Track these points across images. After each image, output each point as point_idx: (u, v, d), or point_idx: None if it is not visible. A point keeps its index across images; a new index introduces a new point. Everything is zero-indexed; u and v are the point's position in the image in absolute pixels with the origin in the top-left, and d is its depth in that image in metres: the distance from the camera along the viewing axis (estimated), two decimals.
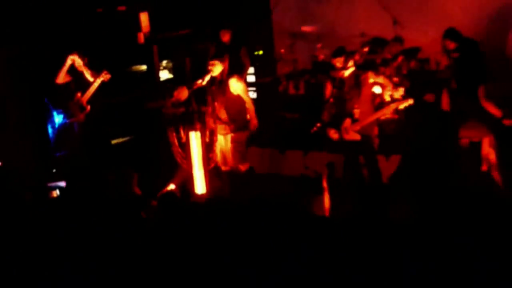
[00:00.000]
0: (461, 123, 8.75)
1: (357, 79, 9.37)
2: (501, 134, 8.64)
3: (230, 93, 9.76)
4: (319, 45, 14.04)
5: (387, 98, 9.81)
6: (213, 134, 9.72)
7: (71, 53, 10.34)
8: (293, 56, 14.30)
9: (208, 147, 9.73)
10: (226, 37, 12.42)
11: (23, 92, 10.67)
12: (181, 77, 12.66)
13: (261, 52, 14.65)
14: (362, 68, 9.68)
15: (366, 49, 11.52)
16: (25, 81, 10.67)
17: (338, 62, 9.89)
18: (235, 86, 9.74)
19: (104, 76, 10.27)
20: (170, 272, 6.59)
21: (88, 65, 10.43)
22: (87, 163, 10.35)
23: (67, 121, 10.41)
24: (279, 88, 13.74)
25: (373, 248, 6.63)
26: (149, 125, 11.56)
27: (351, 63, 9.57)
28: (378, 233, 7.01)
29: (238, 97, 9.80)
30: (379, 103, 9.84)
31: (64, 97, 10.49)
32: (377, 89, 9.68)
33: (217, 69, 9.73)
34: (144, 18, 12.51)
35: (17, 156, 10.40)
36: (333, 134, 9.56)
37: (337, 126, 9.49)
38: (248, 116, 9.90)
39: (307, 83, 13.39)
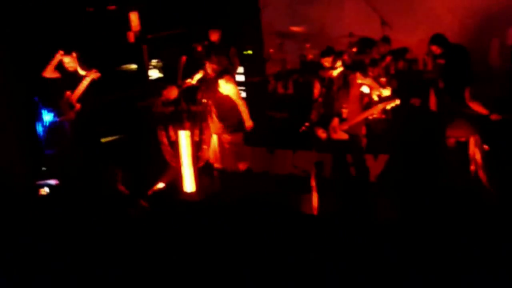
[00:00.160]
0: (448, 123, 8.81)
1: (345, 79, 9.44)
2: (486, 134, 8.72)
3: (220, 92, 9.81)
4: (307, 45, 14.09)
5: (375, 98, 9.87)
6: (202, 133, 9.76)
7: (61, 50, 10.35)
8: (282, 55, 14.35)
9: (197, 146, 9.77)
10: (215, 37, 12.45)
11: (13, 91, 10.66)
12: (171, 76, 12.69)
13: (250, 52, 14.69)
14: (351, 68, 9.76)
15: (354, 49, 11.61)
16: (15, 80, 10.67)
17: (327, 61, 9.95)
18: (225, 86, 9.80)
19: (94, 75, 10.28)
20: (159, 269, 6.64)
21: (81, 59, 10.43)
22: (78, 161, 10.36)
23: (57, 119, 10.41)
24: (268, 87, 13.78)
25: (360, 246, 6.71)
26: (139, 123, 11.57)
27: (339, 63, 9.64)
28: (365, 232, 7.09)
29: (229, 97, 9.86)
30: (367, 102, 9.91)
31: (53, 96, 10.49)
32: (365, 89, 9.76)
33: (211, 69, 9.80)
34: (134, 17, 12.54)
35: (6, 154, 10.39)
36: (321, 134, 9.62)
37: (325, 125, 9.55)
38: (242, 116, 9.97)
39: (296, 83, 13.43)
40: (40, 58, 10.74)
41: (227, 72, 10.14)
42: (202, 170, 9.86)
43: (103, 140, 11.82)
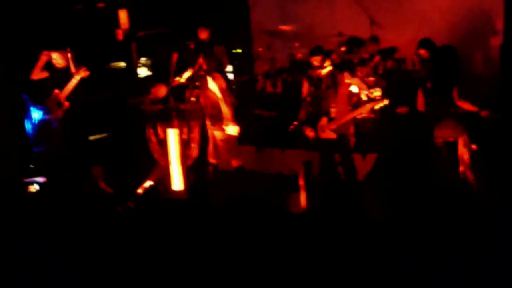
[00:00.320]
0: (436, 123, 8.83)
1: (334, 79, 9.46)
2: (474, 133, 8.75)
3: (210, 90, 9.83)
4: (296, 44, 14.11)
5: (364, 98, 9.89)
6: (191, 131, 9.75)
7: (48, 49, 10.32)
8: (271, 54, 14.35)
9: (185, 144, 9.77)
10: (204, 35, 12.45)
11: (1, 88, 10.64)
12: (160, 74, 12.68)
13: (239, 51, 14.70)
14: (339, 67, 9.77)
15: (343, 49, 11.61)
16: (3, 77, 10.64)
17: (316, 60, 10.00)
18: (212, 84, 9.81)
19: (83, 73, 10.24)
20: (147, 268, 6.63)
21: (74, 57, 10.40)
22: (66, 159, 10.34)
23: (46, 117, 10.39)
24: (256, 86, 13.78)
25: (349, 245, 6.72)
26: (127, 121, 11.56)
27: (328, 62, 9.65)
28: (353, 231, 7.10)
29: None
30: (355, 102, 9.93)
31: (42, 94, 10.47)
32: (354, 89, 9.78)
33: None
34: (123, 15, 12.53)
35: None
36: (310, 133, 9.64)
37: (314, 124, 9.57)
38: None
39: (285, 82, 13.44)
40: (28, 56, 10.71)
41: (216, 69, 10.14)
42: (191, 168, 9.86)
43: (92, 138, 11.80)
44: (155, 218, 8.04)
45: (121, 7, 12.73)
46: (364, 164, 10.22)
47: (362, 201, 9.10)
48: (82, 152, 10.66)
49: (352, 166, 9.71)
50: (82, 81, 10.32)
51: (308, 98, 9.86)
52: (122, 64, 13.64)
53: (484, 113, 8.54)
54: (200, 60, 9.88)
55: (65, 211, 8.12)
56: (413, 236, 6.87)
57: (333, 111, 9.49)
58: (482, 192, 8.60)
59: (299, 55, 13.85)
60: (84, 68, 10.23)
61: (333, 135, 9.45)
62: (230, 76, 13.95)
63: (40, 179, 9.91)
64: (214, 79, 9.82)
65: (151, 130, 9.72)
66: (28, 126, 10.44)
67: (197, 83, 10.03)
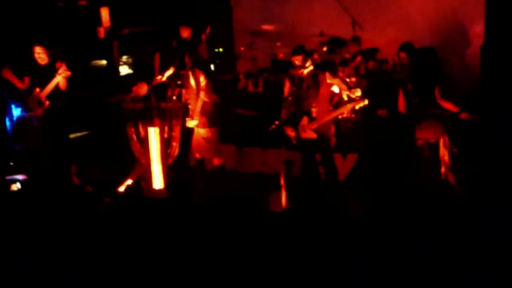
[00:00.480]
0: (417, 124, 8.85)
1: (315, 78, 9.47)
2: (455, 135, 8.78)
3: (191, 86, 9.84)
4: (278, 44, 14.13)
5: (345, 98, 9.91)
6: (172, 130, 9.74)
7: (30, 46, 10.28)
8: (253, 54, 14.36)
9: (166, 143, 9.76)
10: (186, 33, 12.44)
11: None
12: (141, 73, 12.66)
13: (221, 50, 14.70)
14: (321, 67, 9.78)
15: (325, 49, 11.64)
16: None
17: (297, 60, 10.00)
18: (192, 81, 9.83)
19: (64, 73, 10.19)
20: (128, 266, 6.62)
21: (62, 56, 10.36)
22: (46, 157, 10.29)
23: (25, 114, 10.33)
24: (238, 85, 13.78)
25: (329, 244, 6.73)
26: (108, 119, 11.53)
27: (309, 62, 9.67)
28: (334, 230, 7.11)
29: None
30: (337, 102, 9.95)
31: (22, 92, 10.41)
32: (335, 89, 9.80)
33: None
34: (104, 13, 12.49)
35: None
36: (291, 132, 9.65)
37: (295, 124, 9.57)
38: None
39: (266, 81, 13.44)
40: (8, 53, 10.66)
41: (199, 66, 10.14)
42: (172, 167, 9.86)
43: (72, 136, 11.75)
44: (137, 217, 8.02)
45: (103, 5, 12.68)
46: (345, 164, 10.25)
47: (343, 201, 9.12)
48: (61, 150, 10.61)
49: (333, 166, 9.73)
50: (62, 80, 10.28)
51: (290, 98, 9.87)
52: (103, 62, 13.60)
53: (463, 115, 8.57)
54: (183, 59, 9.88)
55: (47, 210, 8.09)
56: (393, 236, 6.90)
57: (314, 110, 9.49)
58: (462, 193, 8.64)
59: (281, 55, 13.86)
60: (65, 68, 10.17)
61: (314, 135, 9.45)
62: None
63: (20, 177, 9.87)
64: (194, 74, 9.82)
65: (132, 129, 9.70)
66: (8, 123, 10.38)
67: (178, 82, 10.03)
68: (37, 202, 8.57)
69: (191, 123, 9.91)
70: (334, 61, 10.43)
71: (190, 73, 9.83)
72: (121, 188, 9.67)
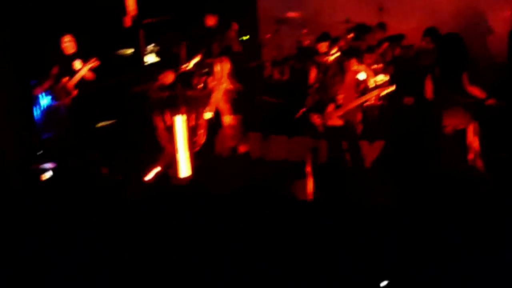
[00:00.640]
0: (445, 111, 8.81)
1: (341, 65, 9.44)
2: (484, 121, 8.73)
3: (217, 76, 9.88)
4: (304, 31, 14.10)
5: (371, 85, 9.87)
6: (198, 118, 9.77)
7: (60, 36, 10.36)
8: (278, 41, 14.35)
9: (193, 131, 9.79)
10: (212, 22, 12.44)
11: (10, 75, 10.65)
12: (167, 61, 12.67)
13: (247, 37, 14.69)
14: (346, 54, 9.75)
15: (350, 36, 11.60)
16: (12, 63, 10.65)
17: (323, 47, 9.99)
18: (217, 68, 9.86)
19: (93, 63, 10.27)
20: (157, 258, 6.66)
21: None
22: (73, 146, 10.37)
23: (54, 103, 10.41)
24: (264, 73, 13.78)
25: (355, 232, 6.73)
26: (135, 108, 11.58)
27: (335, 49, 9.64)
28: (360, 218, 7.11)
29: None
30: (363, 89, 9.91)
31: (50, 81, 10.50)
32: (361, 75, 9.76)
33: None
34: (130, 1, 12.49)
35: (2, 138, 10.39)
36: (317, 120, 9.62)
37: (321, 111, 9.55)
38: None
39: (292, 69, 13.43)
40: (37, 42, 10.73)
41: (224, 54, 10.17)
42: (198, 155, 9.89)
43: (99, 125, 11.82)
44: (164, 205, 8.07)
45: None
46: (371, 151, 10.21)
47: (369, 188, 9.10)
48: (88, 138, 10.69)
49: (359, 153, 9.69)
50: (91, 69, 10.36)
51: (315, 85, 9.85)
52: (130, 51, 13.63)
53: (490, 102, 8.52)
54: (209, 47, 9.92)
55: (75, 198, 8.16)
56: (419, 224, 6.89)
57: (340, 98, 9.47)
58: (490, 180, 8.59)
59: (307, 42, 13.83)
60: (94, 58, 10.26)
61: (340, 122, 9.43)
62: None
63: (49, 165, 9.95)
64: (220, 62, 9.84)
65: (158, 117, 9.75)
66: (36, 112, 10.47)
67: (205, 70, 10.07)
68: (66, 191, 8.64)
69: (206, 115, 9.95)
70: (359, 47, 10.39)
71: (216, 61, 9.85)
72: (148, 177, 9.71)
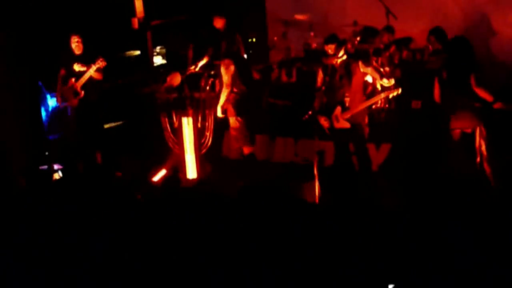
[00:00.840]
0: (453, 114, 8.80)
1: (348, 68, 9.43)
2: (491, 125, 8.71)
3: (223, 78, 9.89)
4: (312, 34, 14.10)
5: (379, 87, 9.87)
6: (205, 120, 9.79)
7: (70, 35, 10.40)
8: (286, 44, 14.35)
9: (200, 133, 9.81)
10: (219, 24, 12.44)
11: (17, 76, 10.68)
12: (175, 63, 12.70)
13: (254, 40, 14.70)
14: (354, 57, 9.75)
15: (358, 38, 11.59)
16: (19, 64, 10.69)
17: (330, 48, 9.99)
18: (223, 71, 9.86)
19: (100, 63, 10.28)
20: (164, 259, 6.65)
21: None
22: (80, 147, 10.39)
23: (61, 104, 10.44)
24: (271, 75, 13.78)
25: (363, 234, 6.72)
26: (142, 110, 11.61)
27: (342, 51, 9.63)
28: (367, 220, 7.10)
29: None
30: (370, 92, 9.92)
31: (58, 82, 10.53)
32: (369, 78, 9.76)
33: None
34: (138, 3, 12.52)
35: (10, 139, 10.42)
36: (324, 122, 9.62)
37: (328, 114, 9.55)
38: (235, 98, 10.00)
39: (299, 71, 13.42)
40: (44, 43, 10.76)
41: (229, 56, 10.17)
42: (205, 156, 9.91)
43: (106, 126, 11.85)
44: (172, 207, 8.07)
45: None
46: (378, 154, 10.22)
47: (376, 191, 9.09)
48: (96, 140, 10.71)
49: (366, 156, 9.69)
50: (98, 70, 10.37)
51: (323, 88, 9.83)
52: (137, 52, 13.67)
53: (497, 105, 8.50)
54: (217, 49, 9.94)
55: (82, 200, 8.16)
56: (426, 227, 6.87)
57: (347, 100, 9.47)
58: (498, 183, 8.58)
59: (314, 45, 13.83)
60: (101, 59, 10.27)
61: (347, 125, 9.42)
62: None
63: (56, 166, 9.98)
64: (224, 64, 9.85)
65: (165, 119, 9.77)
66: (43, 113, 10.50)
67: (212, 72, 10.08)
68: (73, 192, 8.64)
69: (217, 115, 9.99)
70: (367, 50, 10.38)
71: (221, 63, 9.87)
72: (155, 178, 9.73)
